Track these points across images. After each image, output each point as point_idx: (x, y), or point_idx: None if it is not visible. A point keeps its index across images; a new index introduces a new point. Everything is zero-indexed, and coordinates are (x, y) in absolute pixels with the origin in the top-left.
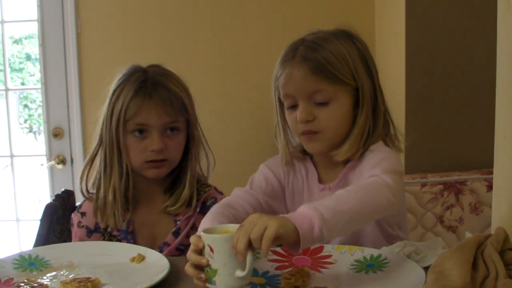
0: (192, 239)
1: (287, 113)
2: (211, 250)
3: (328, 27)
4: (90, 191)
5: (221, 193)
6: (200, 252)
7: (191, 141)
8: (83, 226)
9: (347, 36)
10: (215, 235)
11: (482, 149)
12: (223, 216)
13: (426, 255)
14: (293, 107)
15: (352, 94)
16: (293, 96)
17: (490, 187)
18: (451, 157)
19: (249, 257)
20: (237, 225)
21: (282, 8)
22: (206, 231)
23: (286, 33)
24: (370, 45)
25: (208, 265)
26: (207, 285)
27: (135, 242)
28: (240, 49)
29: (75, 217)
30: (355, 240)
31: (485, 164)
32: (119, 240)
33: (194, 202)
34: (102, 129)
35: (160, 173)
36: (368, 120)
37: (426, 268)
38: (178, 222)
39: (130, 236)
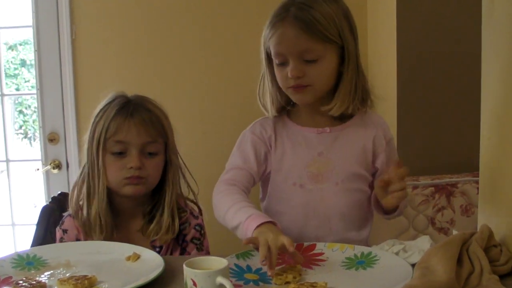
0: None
1: (277, 69)
2: (194, 284)
3: None
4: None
5: (196, 217)
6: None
7: (168, 166)
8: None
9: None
10: (198, 271)
11: (473, 152)
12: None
13: (414, 252)
14: (283, 64)
15: (338, 52)
16: (284, 55)
17: None
18: (442, 160)
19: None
20: (218, 258)
21: None
22: (189, 264)
23: None
24: (362, 46)
25: None
26: None
27: None
28: (240, 50)
29: (58, 232)
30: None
31: (476, 167)
32: None
33: (176, 228)
34: (86, 152)
35: (137, 191)
36: (354, 75)
37: (414, 265)
38: (157, 249)
39: None
